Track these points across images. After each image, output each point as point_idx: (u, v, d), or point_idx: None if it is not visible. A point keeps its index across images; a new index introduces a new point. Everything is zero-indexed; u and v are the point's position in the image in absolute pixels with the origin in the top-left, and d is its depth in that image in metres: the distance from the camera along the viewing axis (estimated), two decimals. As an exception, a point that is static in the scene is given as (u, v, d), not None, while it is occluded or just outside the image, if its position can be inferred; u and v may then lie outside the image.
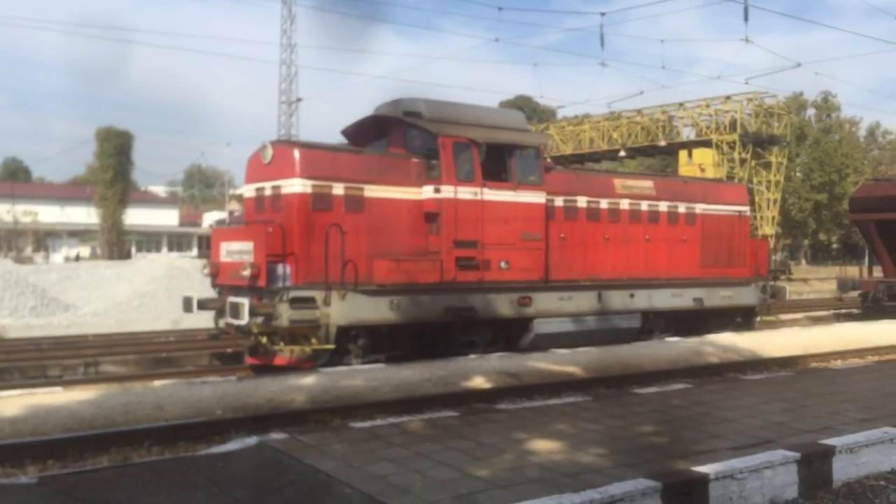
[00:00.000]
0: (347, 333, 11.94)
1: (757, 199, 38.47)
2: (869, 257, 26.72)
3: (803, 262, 75.07)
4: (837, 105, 76.97)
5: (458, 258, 12.84)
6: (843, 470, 6.92)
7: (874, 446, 7.23)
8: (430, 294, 12.56)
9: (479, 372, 11.19)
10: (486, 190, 13.12)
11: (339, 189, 12.14)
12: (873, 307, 23.21)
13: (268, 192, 12.37)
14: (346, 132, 14.55)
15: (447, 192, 12.76)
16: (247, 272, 11.49)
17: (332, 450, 6.77)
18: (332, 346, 11.70)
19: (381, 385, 10.26)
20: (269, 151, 12.31)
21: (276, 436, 7.30)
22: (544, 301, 13.88)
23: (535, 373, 11.50)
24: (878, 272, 25.54)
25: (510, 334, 13.77)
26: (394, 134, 13.92)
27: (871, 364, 13.11)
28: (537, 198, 13.76)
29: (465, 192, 12.92)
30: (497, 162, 13.47)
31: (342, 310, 11.71)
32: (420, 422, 7.96)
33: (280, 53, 46.77)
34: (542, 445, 7.00)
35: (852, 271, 27.39)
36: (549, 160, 20.43)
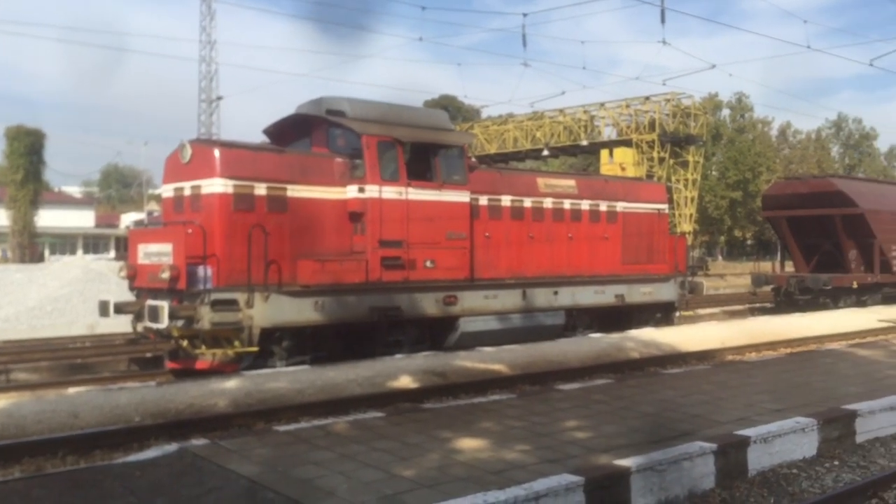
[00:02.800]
0: (271, 335, 11.78)
1: (675, 197, 39.43)
2: (781, 253, 27.70)
3: (720, 258, 77.35)
4: (750, 105, 79.74)
5: (384, 258, 12.80)
6: (758, 460, 7.16)
7: (787, 436, 7.50)
8: (355, 294, 12.49)
9: (405, 371, 11.18)
10: (410, 189, 13.11)
11: (261, 189, 11.95)
12: (785, 301, 24.08)
13: (187, 193, 12.09)
14: (267, 131, 14.35)
15: (372, 191, 12.70)
16: (166, 274, 11.21)
17: (255, 454, 6.66)
18: (255, 349, 11.52)
19: (306, 387, 10.15)
20: (188, 151, 12.03)
21: (197, 442, 7.15)
22: (470, 299, 13.95)
23: (462, 371, 11.55)
24: (789, 267, 26.49)
25: (436, 333, 13.80)
26: (317, 133, 13.78)
27: (784, 356, 13.58)
28: (462, 197, 13.82)
29: (390, 192, 12.88)
30: (422, 161, 13.47)
31: (265, 311, 11.54)
32: (345, 423, 7.90)
33: (199, 50, 45.80)
34: (468, 444, 7.03)
35: (765, 266, 28.40)
36: (473, 159, 20.54)
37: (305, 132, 13.92)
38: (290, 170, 12.35)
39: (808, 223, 24.60)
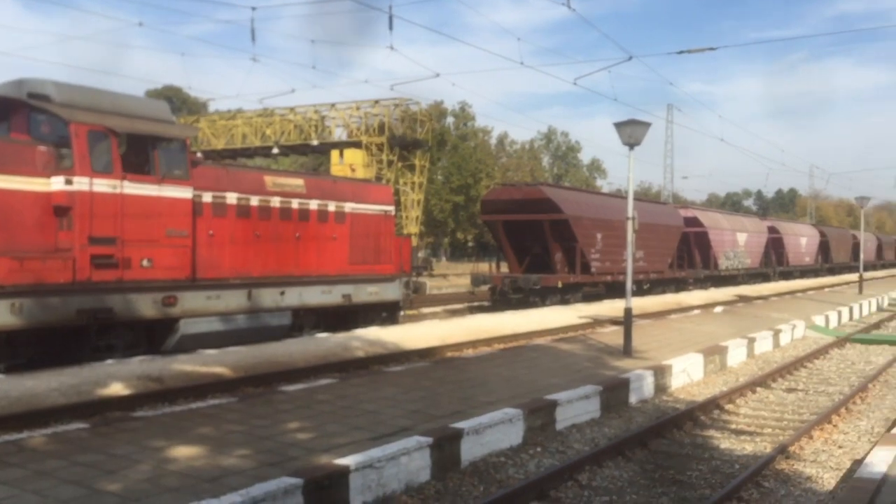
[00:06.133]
0: (-44, 342, 10.46)
1: (402, 199, 40.69)
2: (498, 255, 29.50)
3: (443, 259, 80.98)
4: (473, 115, 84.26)
5: (94, 256, 11.87)
6: (470, 450, 7.56)
7: (496, 427, 7.99)
8: (59, 295, 11.45)
9: (116, 378, 10.43)
10: (126, 183, 12.28)
11: (-55, 177, 10.57)
12: (501, 299, 25.72)
13: None
14: (-45, 113, 12.73)
15: (81, 184, 11.72)
16: None
17: (-72, 479, 5.85)
18: (-65, 358, 10.16)
19: (-2, 399, 9.11)
20: None
21: None
22: (191, 300, 13.36)
23: (180, 375, 11.01)
24: (505, 268, 28.33)
25: (154, 336, 13.04)
26: (16, 118, 12.47)
27: (497, 352, 14.49)
28: (183, 193, 13.19)
29: (102, 185, 11.97)
30: (139, 154, 12.69)
31: (-51, 315, 10.23)
32: (43, 437, 7.21)
33: None
34: (183, 452, 6.71)
35: (484, 267, 30.09)
36: (198, 154, 19.76)
37: (2, 116, 12.54)
38: (-19, 156, 11.05)
39: (521, 227, 26.48)
